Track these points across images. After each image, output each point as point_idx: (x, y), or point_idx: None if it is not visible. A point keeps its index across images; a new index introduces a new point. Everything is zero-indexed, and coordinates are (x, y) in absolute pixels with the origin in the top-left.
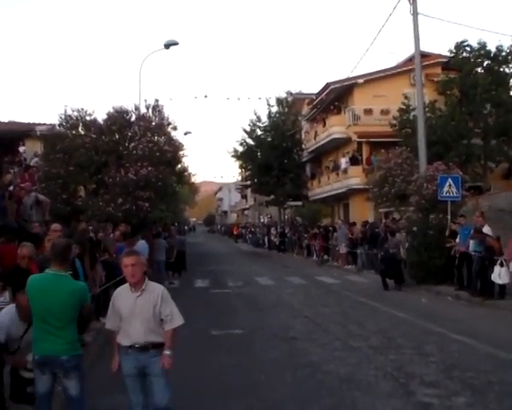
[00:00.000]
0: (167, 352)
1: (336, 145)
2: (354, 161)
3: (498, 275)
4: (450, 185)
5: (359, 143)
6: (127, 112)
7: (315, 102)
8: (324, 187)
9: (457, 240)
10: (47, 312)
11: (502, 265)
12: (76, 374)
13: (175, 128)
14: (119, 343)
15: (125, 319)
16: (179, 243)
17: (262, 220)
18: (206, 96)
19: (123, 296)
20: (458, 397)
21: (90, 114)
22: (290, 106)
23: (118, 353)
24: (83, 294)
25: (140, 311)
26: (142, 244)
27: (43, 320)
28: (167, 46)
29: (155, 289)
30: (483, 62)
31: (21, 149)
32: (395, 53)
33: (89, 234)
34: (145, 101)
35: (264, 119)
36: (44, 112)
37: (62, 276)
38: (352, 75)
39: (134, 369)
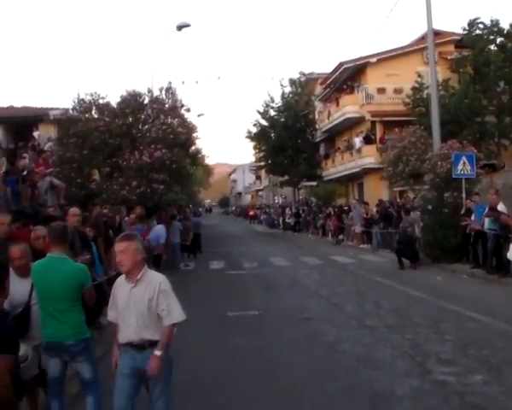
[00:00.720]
0: (157, 353)
1: (350, 125)
2: (368, 140)
3: None
4: (464, 163)
5: (373, 123)
6: (140, 95)
7: (328, 82)
8: (338, 167)
9: (472, 218)
10: (49, 295)
11: None
12: (85, 358)
13: (188, 110)
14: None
15: (121, 313)
16: (195, 225)
17: (276, 201)
18: (219, 78)
19: (120, 287)
20: (475, 375)
21: (103, 98)
22: (303, 86)
23: (117, 348)
24: (82, 275)
25: (134, 304)
26: (160, 228)
27: (47, 304)
28: (179, 28)
29: (153, 280)
30: (496, 40)
31: (35, 133)
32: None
33: (103, 217)
34: (158, 83)
35: (278, 99)
36: (58, 96)
37: (62, 258)
38: (364, 54)
39: (129, 369)
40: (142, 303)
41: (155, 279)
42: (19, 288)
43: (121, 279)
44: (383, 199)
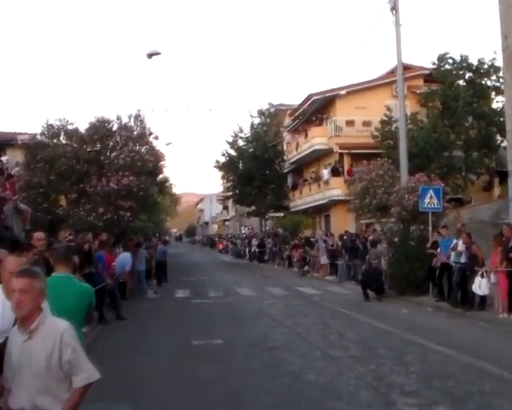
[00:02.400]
0: None
1: (318, 156)
2: (335, 172)
3: (479, 286)
4: (431, 196)
5: (341, 155)
6: (109, 121)
7: (297, 114)
8: (305, 198)
9: (438, 251)
10: (58, 315)
11: (482, 276)
12: None
13: (156, 138)
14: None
15: (14, 372)
16: (161, 254)
17: (243, 231)
18: (187, 110)
19: (13, 339)
20: (438, 406)
21: (71, 124)
22: (272, 117)
23: None
24: (91, 296)
25: (28, 361)
26: (125, 256)
27: None
28: (150, 56)
29: (52, 330)
30: (465, 75)
31: (3, 158)
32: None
33: (70, 243)
34: (127, 110)
35: (247, 130)
36: (26, 122)
37: (70, 278)
38: (334, 87)
39: None
40: (37, 361)
41: (56, 329)
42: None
43: (14, 330)
44: (349, 231)
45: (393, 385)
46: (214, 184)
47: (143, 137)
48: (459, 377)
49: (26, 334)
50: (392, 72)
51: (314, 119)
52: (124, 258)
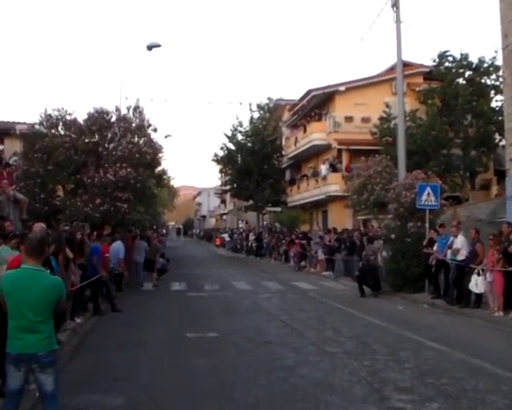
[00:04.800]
0: None
1: (316, 152)
2: (333, 167)
3: (475, 284)
4: (428, 194)
5: (339, 151)
6: (108, 112)
7: (296, 109)
8: (303, 193)
9: (435, 248)
10: (24, 307)
11: (479, 274)
12: (52, 370)
13: (155, 130)
14: None
15: None
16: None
17: (240, 226)
18: (186, 102)
19: None
20: (432, 403)
21: (70, 114)
22: (271, 112)
23: None
24: (61, 288)
25: None
26: (117, 244)
27: (20, 316)
28: (150, 48)
29: None
30: (465, 73)
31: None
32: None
33: (65, 234)
34: (126, 98)
35: (246, 124)
36: (25, 111)
37: (39, 270)
38: (333, 82)
39: None
40: None
41: None
42: None
43: None
44: (347, 227)
45: (387, 381)
46: (212, 177)
47: (142, 128)
48: (453, 374)
49: None
50: (392, 69)
51: (313, 114)
52: (116, 247)
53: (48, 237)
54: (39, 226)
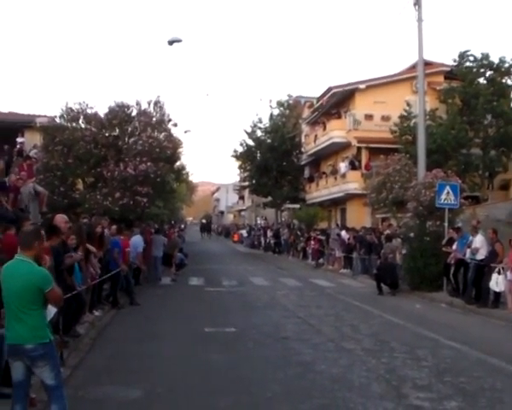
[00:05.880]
0: None
1: (336, 149)
2: (353, 165)
3: (496, 283)
4: (448, 193)
5: (359, 149)
6: (128, 106)
7: (316, 106)
8: (322, 191)
9: (454, 247)
10: (10, 296)
11: (499, 273)
12: (45, 363)
13: (175, 125)
14: None
15: None
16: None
17: (259, 222)
18: (207, 95)
19: None
20: (450, 401)
21: (91, 108)
22: (291, 108)
23: None
24: (40, 280)
25: None
26: (136, 238)
27: (9, 306)
28: (171, 43)
29: None
30: (485, 73)
31: (19, 139)
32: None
33: (86, 227)
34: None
35: (266, 120)
36: (46, 104)
37: (25, 261)
38: (354, 80)
39: None
40: None
41: None
42: None
43: None
44: (365, 225)
45: (405, 379)
46: (231, 173)
47: (162, 123)
48: (471, 372)
49: None
50: (413, 67)
51: (333, 112)
52: (135, 241)
53: (40, 230)
54: (60, 217)
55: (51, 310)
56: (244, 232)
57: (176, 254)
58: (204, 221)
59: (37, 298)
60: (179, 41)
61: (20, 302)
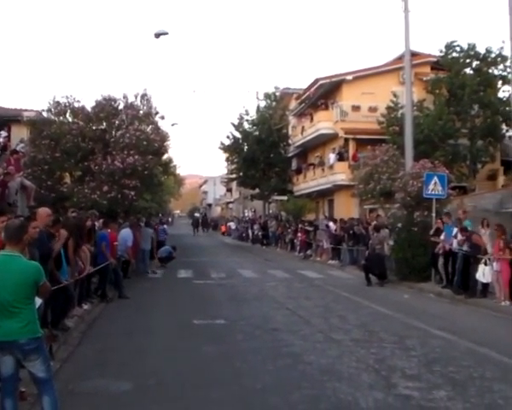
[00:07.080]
0: None
1: (323, 141)
2: (340, 156)
3: (482, 273)
4: (435, 183)
5: (346, 140)
6: (115, 100)
7: (303, 98)
8: (310, 182)
9: (442, 237)
10: (2, 293)
11: (486, 264)
12: (38, 356)
13: (162, 117)
14: None
15: None
16: (161, 233)
17: (246, 214)
18: (194, 91)
19: None
20: (439, 391)
21: (78, 101)
22: (278, 100)
23: None
24: (36, 273)
25: None
26: (126, 232)
27: (0, 303)
28: (157, 36)
29: None
30: (472, 63)
31: (2, 133)
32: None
33: (75, 221)
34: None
35: (253, 112)
36: (32, 98)
37: (15, 256)
38: (340, 71)
39: None
40: None
41: None
42: None
43: None
44: (353, 216)
45: (394, 369)
46: (218, 166)
47: (149, 116)
48: (460, 362)
49: None
50: (400, 58)
51: (320, 103)
52: (125, 234)
53: (26, 224)
54: (44, 210)
55: (37, 301)
56: (232, 225)
57: (154, 245)
58: (197, 215)
59: (32, 292)
60: (166, 34)
61: (15, 298)
